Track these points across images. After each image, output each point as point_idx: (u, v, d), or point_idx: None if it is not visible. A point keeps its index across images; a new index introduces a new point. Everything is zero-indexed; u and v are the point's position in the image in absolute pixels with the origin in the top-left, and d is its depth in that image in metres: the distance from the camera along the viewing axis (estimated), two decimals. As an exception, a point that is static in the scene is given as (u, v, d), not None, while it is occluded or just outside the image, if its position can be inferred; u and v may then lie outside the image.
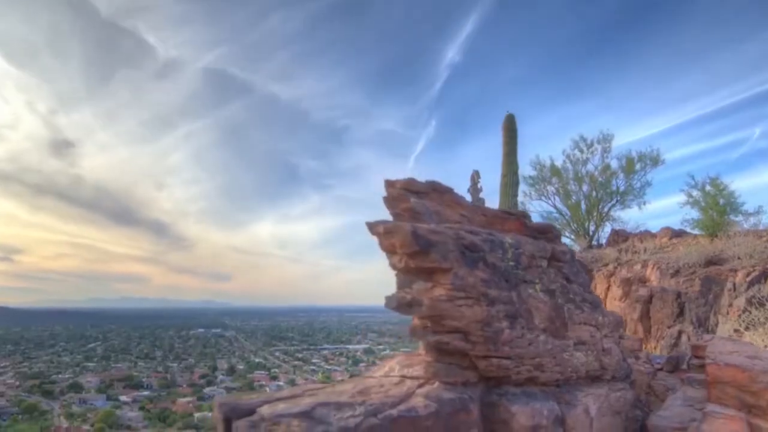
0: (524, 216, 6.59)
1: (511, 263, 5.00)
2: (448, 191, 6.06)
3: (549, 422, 4.28)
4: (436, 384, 4.21)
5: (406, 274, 4.57)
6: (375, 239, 4.47)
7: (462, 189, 12.15)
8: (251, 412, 3.80)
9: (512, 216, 6.42)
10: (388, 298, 4.45)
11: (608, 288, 14.24)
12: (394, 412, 3.59)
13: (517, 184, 12.18)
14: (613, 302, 13.53)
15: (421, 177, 5.95)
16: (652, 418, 5.01)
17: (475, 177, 12.05)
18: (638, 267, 14.94)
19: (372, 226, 4.65)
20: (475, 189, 12.01)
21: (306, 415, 3.57)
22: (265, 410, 3.76)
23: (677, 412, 5.05)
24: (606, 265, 15.55)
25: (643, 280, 14.19)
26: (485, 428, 4.05)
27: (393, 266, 4.55)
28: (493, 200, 12.09)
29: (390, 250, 4.45)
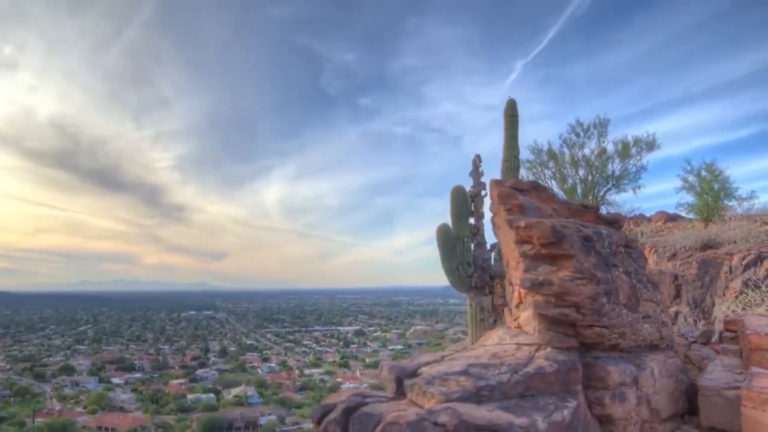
0: (597, 209, 7.75)
1: (607, 250, 6.15)
2: (544, 189, 7.46)
3: (630, 380, 5.35)
4: (549, 349, 5.24)
5: (533, 260, 5.59)
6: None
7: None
8: (415, 373, 4.54)
9: (589, 209, 7.59)
10: (523, 279, 5.54)
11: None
12: (530, 369, 4.60)
13: (517, 168, 12.26)
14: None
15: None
16: (701, 381, 5.91)
17: (477, 161, 12.13)
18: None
19: (512, 222, 5.78)
20: (476, 173, 12.08)
21: (465, 373, 4.42)
22: (428, 370, 4.54)
23: (720, 375, 6.03)
24: (603, 248, 15.69)
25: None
26: (584, 383, 5.11)
27: (523, 253, 5.61)
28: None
29: (526, 240, 5.56)
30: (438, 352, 5.76)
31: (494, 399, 4.13)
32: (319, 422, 3.98)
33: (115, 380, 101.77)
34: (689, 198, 19.22)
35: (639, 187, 21.06)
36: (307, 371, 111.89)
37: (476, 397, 4.11)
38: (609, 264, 5.97)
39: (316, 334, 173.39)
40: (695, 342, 7.20)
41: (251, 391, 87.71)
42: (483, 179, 12.11)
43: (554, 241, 5.39)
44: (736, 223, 15.90)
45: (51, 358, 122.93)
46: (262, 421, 71.57)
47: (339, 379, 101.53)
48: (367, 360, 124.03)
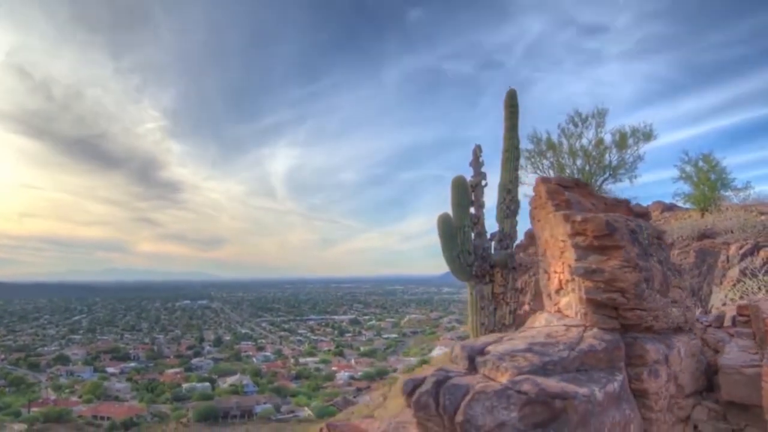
0: (628, 202, 8.44)
1: (646, 241, 6.79)
2: (585, 185, 8.25)
3: (662, 358, 5.93)
4: (595, 330, 5.85)
5: (584, 250, 6.28)
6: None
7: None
8: (482, 351, 5.03)
9: (621, 203, 8.29)
10: (577, 267, 6.21)
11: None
12: (583, 347, 5.19)
13: (517, 159, 12.32)
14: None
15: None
16: (721, 360, 6.45)
17: (477, 151, 12.17)
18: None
19: (568, 216, 6.47)
20: (476, 163, 12.12)
21: (530, 350, 4.95)
22: (494, 348, 5.07)
23: (738, 356, 6.58)
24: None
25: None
26: (625, 361, 5.67)
27: (576, 244, 6.32)
28: (494, 174, 12.26)
29: (580, 233, 6.27)
30: (493, 334, 6.60)
31: (557, 372, 4.70)
32: (410, 394, 4.44)
33: (110, 370, 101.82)
34: (686, 188, 19.38)
35: (635, 177, 21.18)
36: (302, 360, 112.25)
37: (543, 370, 4.65)
38: (647, 253, 6.66)
39: (311, 323, 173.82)
40: (710, 326, 7.80)
41: (246, 379, 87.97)
42: (483, 169, 12.17)
43: (607, 233, 6.11)
44: (733, 213, 16.03)
45: (45, 348, 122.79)
46: (258, 409, 71.88)
47: (334, 368, 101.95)
48: (362, 348, 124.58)
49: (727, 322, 7.80)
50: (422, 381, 4.39)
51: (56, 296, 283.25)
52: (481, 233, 11.92)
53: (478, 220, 11.92)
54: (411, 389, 4.41)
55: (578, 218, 6.24)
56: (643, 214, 8.14)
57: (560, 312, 6.86)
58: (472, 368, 4.78)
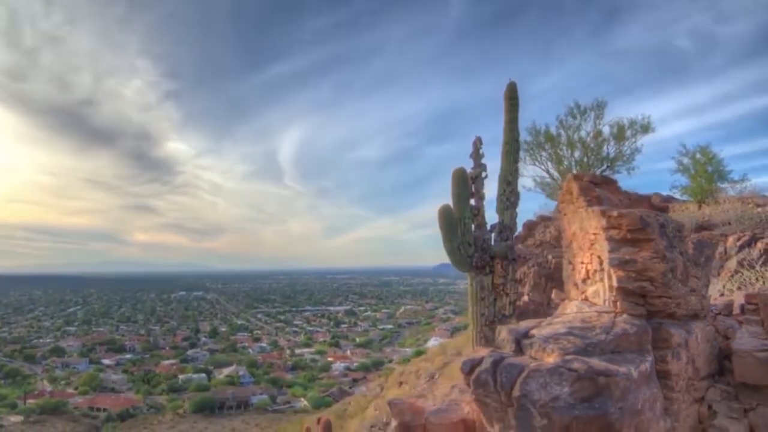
0: (650, 198, 8.56)
1: (671, 234, 7.24)
2: (613, 182, 9.15)
3: (683, 342, 6.37)
4: (625, 315, 6.31)
5: (617, 243, 6.74)
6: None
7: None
8: (527, 335, 5.56)
9: (644, 198, 8.90)
10: (612, 258, 6.65)
11: (602, 252, 14.68)
12: (617, 331, 5.63)
13: (517, 151, 12.33)
14: (608, 265, 13.96)
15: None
16: (734, 345, 6.92)
17: (477, 143, 12.19)
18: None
19: (605, 212, 6.92)
20: (476, 155, 12.14)
21: (571, 333, 5.46)
22: (538, 332, 5.57)
23: (749, 341, 7.03)
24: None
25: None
26: (652, 344, 6.07)
27: (610, 237, 6.77)
28: (494, 165, 12.29)
29: (615, 227, 6.73)
30: (533, 319, 7.02)
31: (596, 353, 5.13)
32: (469, 373, 4.94)
33: (106, 361, 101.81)
34: (683, 180, 19.47)
35: (633, 169, 21.26)
36: (298, 351, 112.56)
37: (584, 352, 5.13)
38: (672, 246, 7.11)
39: (307, 314, 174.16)
40: (719, 314, 8.19)
41: (242, 370, 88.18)
42: (483, 161, 12.19)
43: (640, 227, 6.60)
44: (730, 205, 16.12)
45: (41, 340, 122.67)
46: (254, 400, 72.13)
47: (330, 359, 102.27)
48: (358, 339, 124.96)
49: (735, 310, 8.23)
50: (480, 361, 4.93)
51: (51, 288, 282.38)
52: (482, 225, 11.96)
53: (478, 212, 11.94)
54: (469, 369, 4.96)
55: (614, 213, 6.78)
56: (664, 208, 8.92)
57: (587, 300, 7.39)
58: (519, 350, 5.28)
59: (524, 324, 5.95)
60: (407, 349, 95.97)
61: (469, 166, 12.16)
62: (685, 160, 19.20)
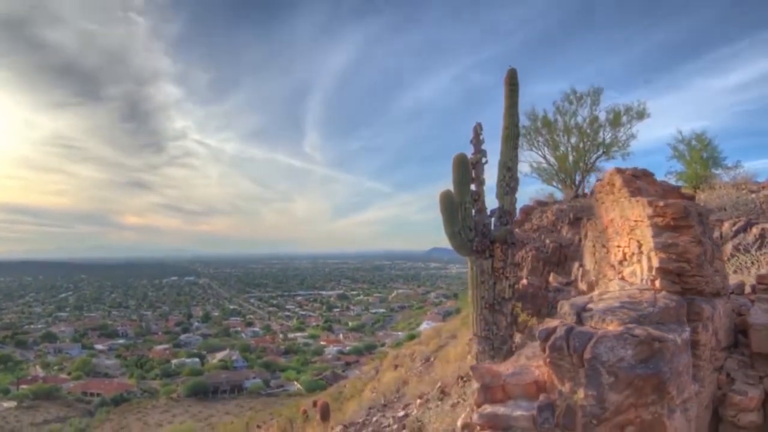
0: (679, 188, 9.97)
1: (705, 221, 8.01)
2: (650, 175, 9.77)
3: (710, 316, 7.06)
4: (664, 292, 7.05)
5: (660, 229, 7.56)
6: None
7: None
8: (584, 308, 6.20)
9: (674, 189, 9.71)
10: (657, 242, 7.48)
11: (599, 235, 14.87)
12: (660, 305, 6.31)
13: (517, 136, 12.41)
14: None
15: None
16: (750, 320, 7.72)
17: (478, 129, 12.25)
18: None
19: (652, 202, 7.65)
20: (477, 140, 12.22)
21: (623, 307, 6.10)
22: (594, 306, 6.27)
23: (763, 316, 7.85)
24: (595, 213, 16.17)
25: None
26: (686, 317, 6.74)
27: (654, 224, 7.59)
28: (494, 151, 12.37)
29: (660, 215, 7.55)
30: (585, 295, 7.86)
31: (647, 323, 5.79)
32: (546, 340, 5.60)
33: (99, 347, 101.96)
34: (678, 166, 19.69)
35: (628, 155, 21.46)
36: (290, 335, 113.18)
37: (637, 322, 5.80)
38: (706, 231, 7.95)
39: (299, 298, 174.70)
40: (732, 293, 8.90)
41: (236, 355, 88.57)
42: (483, 146, 12.27)
43: (684, 215, 7.44)
44: (725, 191, 16.31)
45: (32, 326, 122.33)
46: (247, 384, 72.57)
47: (322, 342, 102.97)
48: (350, 323, 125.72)
49: (747, 290, 9.10)
50: (554, 330, 5.62)
51: (41, 274, 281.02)
52: (482, 210, 12.06)
53: (478, 197, 12.04)
54: (545, 336, 5.62)
55: (661, 203, 7.62)
56: (691, 197, 9.64)
57: (624, 279, 8.30)
58: (579, 322, 5.99)
59: (579, 300, 6.68)
60: (400, 333, 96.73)
61: (469, 151, 12.26)
62: (681, 147, 19.45)
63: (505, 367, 5.93)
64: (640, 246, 7.97)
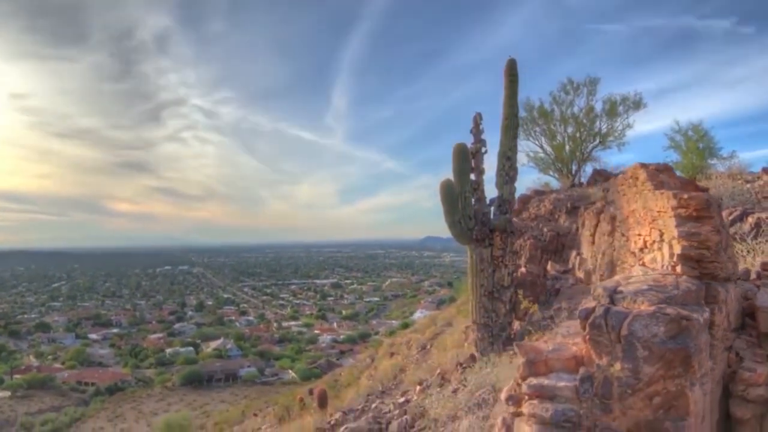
0: (696, 181, 10.87)
1: (720, 211, 8.47)
2: (670, 169, 10.48)
3: (725, 299, 7.58)
4: (684, 277, 7.55)
5: (683, 219, 8.04)
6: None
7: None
8: (617, 291, 6.71)
9: (690, 182, 10.54)
10: (681, 231, 7.97)
11: (597, 224, 14.91)
12: (683, 288, 6.86)
13: (516, 126, 12.51)
14: (602, 237, 14.18)
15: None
16: (758, 303, 8.22)
17: (477, 119, 12.32)
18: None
19: (676, 194, 8.17)
20: (477, 130, 12.29)
21: (651, 289, 6.64)
22: (625, 288, 6.80)
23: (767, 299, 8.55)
24: (593, 203, 16.24)
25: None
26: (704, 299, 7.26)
27: (678, 215, 8.09)
28: (494, 140, 12.45)
29: (683, 206, 8.05)
30: (611, 279, 8.33)
31: (672, 304, 6.32)
32: (586, 318, 6.16)
33: (93, 336, 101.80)
34: (675, 156, 19.83)
35: (623, 144, 21.60)
36: (285, 324, 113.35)
37: (665, 303, 6.33)
38: (721, 221, 8.47)
39: (293, 287, 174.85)
40: (739, 278, 9.24)
41: (230, 343, 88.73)
42: (483, 136, 12.35)
43: (706, 207, 7.94)
44: (721, 182, 16.45)
45: (26, 315, 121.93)
46: (242, 373, 72.80)
47: (317, 331, 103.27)
48: (344, 312, 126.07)
49: (752, 276, 9.62)
50: (593, 309, 6.24)
51: (34, 263, 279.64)
52: (481, 199, 12.18)
53: (478, 186, 12.15)
54: (585, 315, 6.23)
55: (685, 196, 8.17)
56: (705, 189, 10.57)
57: (645, 265, 8.86)
58: (612, 302, 6.53)
59: (610, 283, 7.29)
60: (393, 322, 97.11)
61: (469, 141, 12.35)
62: (677, 137, 19.59)
63: (546, 344, 6.54)
64: (661, 234, 8.59)
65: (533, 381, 6.09)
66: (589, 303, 6.54)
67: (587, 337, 6.19)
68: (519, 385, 6.24)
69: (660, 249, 8.57)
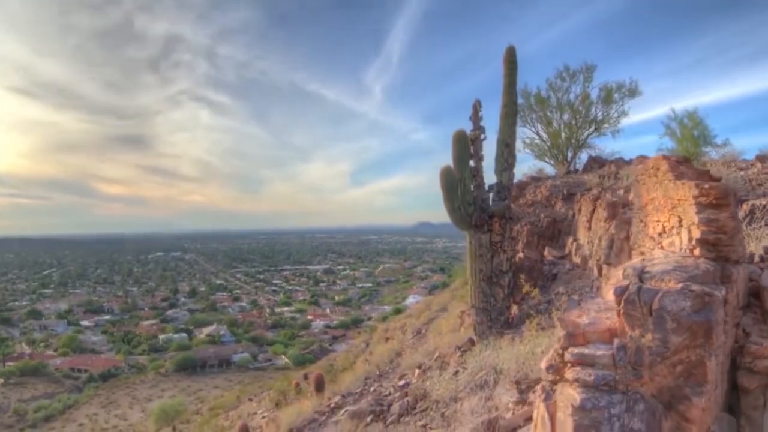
0: (709, 171, 11.07)
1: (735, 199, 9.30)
2: (688, 160, 11.40)
3: (736, 279, 8.12)
4: (703, 259, 8.14)
5: (702, 207, 8.62)
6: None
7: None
8: (644, 271, 7.37)
9: (705, 172, 11.02)
10: (701, 218, 8.48)
11: (593, 211, 15.09)
12: (703, 268, 7.50)
13: (515, 114, 12.60)
14: (599, 223, 14.39)
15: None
16: (763, 283, 8.88)
17: (477, 106, 12.38)
18: (621, 192, 15.79)
19: (698, 184, 8.70)
20: (476, 117, 12.35)
21: (675, 270, 7.32)
22: (652, 269, 7.49)
23: None
24: (589, 189, 16.38)
25: (626, 205, 15.03)
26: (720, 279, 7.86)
27: (698, 203, 8.66)
28: (493, 127, 12.54)
29: (704, 195, 8.60)
30: (635, 260, 9.05)
31: (696, 283, 7.00)
32: (620, 295, 6.79)
33: (85, 323, 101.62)
34: (670, 144, 19.93)
35: (618, 131, 21.73)
36: (277, 310, 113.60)
37: (689, 281, 7.01)
38: (737, 208, 9.45)
39: (286, 273, 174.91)
40: (743, 262, 9.87)
41: (223, 330, 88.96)
42: (482, 123, 12.41)
43: (724, 195, 8.52)
44: (715, 169, 16.58)
45: (17, 303, 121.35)
46: (235, 358, 73.10)
47: (309, 317, 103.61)
48: (337, 298, 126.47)
49: (756, 259, 10.28)
50: (627, 287, 6.93)
51: (24, 250, 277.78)
52: (480, 185, 12.28)
53: (477, 173, 12.24)
54: (621, 292, 6.89)
55: (706, 186, 8.75)
56: (719, 179, 10.87)
57: (663, 249, 9.61)
58: (640, 281, 7.18)
59: (636, 264, 8.01)
60: (386, 307, 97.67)
61: (468, 128, 12.41)
62: (673, 125, 19.69)
63: (582, 319, 7.21)
64: (680, 221, 9.33)
65: (575, 350, 6.76)
66: (623, 282, 7.25)
67: (621, 311, 6.87)
68: (560, 354, 6.88)
69: (678, 234, 9.35)
